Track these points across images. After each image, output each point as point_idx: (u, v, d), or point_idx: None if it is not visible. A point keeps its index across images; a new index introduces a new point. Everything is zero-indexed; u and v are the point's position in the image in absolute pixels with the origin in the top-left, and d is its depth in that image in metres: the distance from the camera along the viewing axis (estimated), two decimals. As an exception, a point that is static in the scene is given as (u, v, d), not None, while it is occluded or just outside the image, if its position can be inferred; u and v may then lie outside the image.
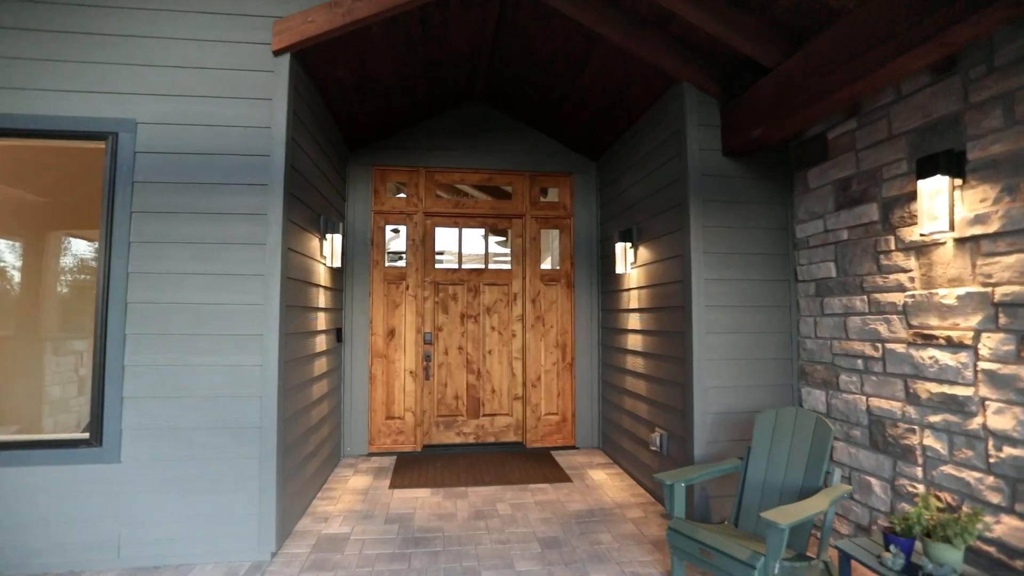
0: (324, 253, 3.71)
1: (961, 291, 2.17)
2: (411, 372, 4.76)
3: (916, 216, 2.39)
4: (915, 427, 2.39)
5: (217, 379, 2.71)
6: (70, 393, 2.78)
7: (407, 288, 4.80)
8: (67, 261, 2.88)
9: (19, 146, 2.75)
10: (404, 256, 4.89)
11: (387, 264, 4.86)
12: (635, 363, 4.05)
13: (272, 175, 2.79)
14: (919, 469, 2.36)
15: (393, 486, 3.83)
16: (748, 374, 3.22)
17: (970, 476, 2.12)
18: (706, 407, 3.15)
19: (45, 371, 2.80)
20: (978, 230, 2.10)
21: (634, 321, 4.09)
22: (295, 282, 3.08)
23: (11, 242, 2.84)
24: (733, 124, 3.14)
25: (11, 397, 2.73)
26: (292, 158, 2.93)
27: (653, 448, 3.60)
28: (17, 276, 2.86)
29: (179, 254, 2.72)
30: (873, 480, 2.61)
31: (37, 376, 2.78)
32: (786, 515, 1.95)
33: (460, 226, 4.99)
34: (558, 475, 4.11)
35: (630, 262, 4.11)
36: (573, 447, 4.91)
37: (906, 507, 2.41)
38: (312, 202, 3.42)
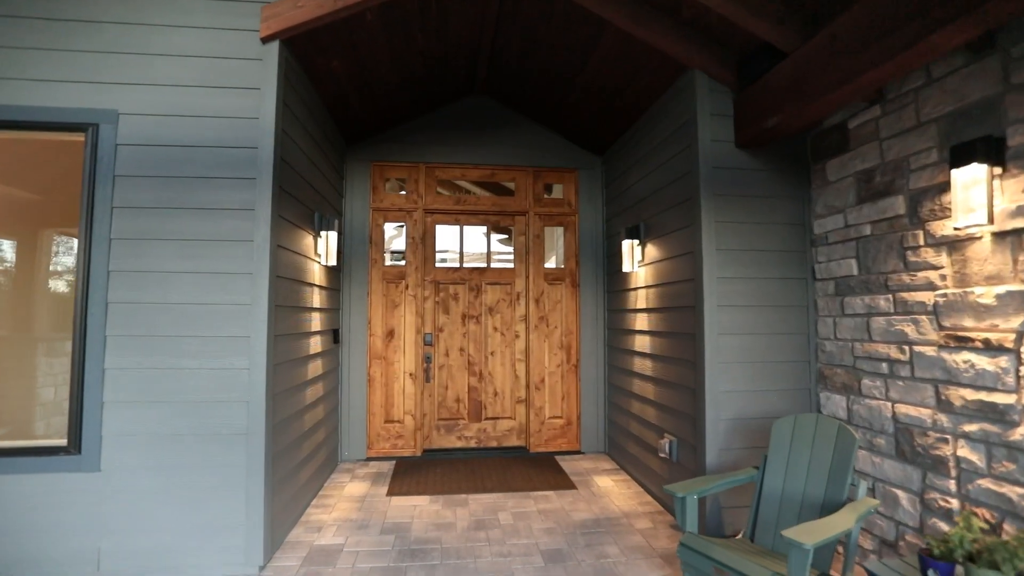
0: (319, 251, 3.57)
1: (1001, 289, 2.00)
2: (411, 374, 4.61)
3: (948, 209, 2.21)
4: (947, 436, 2.21)
5: (202, 383, 2.57)
6: (63, 395, 2.65)
7: (407, 287, 4.65)
8: (62, 260, 2.77)
9: (11, 141, 2.64)
10: (404, 254, 4.74)
11: (386, 263, 4.72)
12: (643, 365, 3.89)
13: (260, 168, 2.66)
14: (952, 482, 2.18)
15: (391, 493, 3.68)
16: (763, 378, 3.04)
17: (1012, 492, 1.94)
18: (718, 412, 2.98)
19: (37, 372, 2.70)
20: (1020, 223, 1.93)
21: (642, 321, 3.92)
22: (286, 281, 2.94)
23: (5, 240, 2.74)
24: (747, 114, 2.97)
25: (3, 399, 2.62)
26: (282, 151, 2.79)
27: (662, 455, 3.43)
28: (12, 275, 2.76)
29: (162, 251, 2.59)
30: (900, 492, 2.44)
31: (29, 377, 2.68)
32: (811, 534, 1.78)
33: (461, 224, 4.83)
34: (562, 482, 3.95)
35: (638, 260, 3.94)
36: (578, 452, 4.74)
37: (938, 523, 2.24)
38: (305, 198, 3.28)
